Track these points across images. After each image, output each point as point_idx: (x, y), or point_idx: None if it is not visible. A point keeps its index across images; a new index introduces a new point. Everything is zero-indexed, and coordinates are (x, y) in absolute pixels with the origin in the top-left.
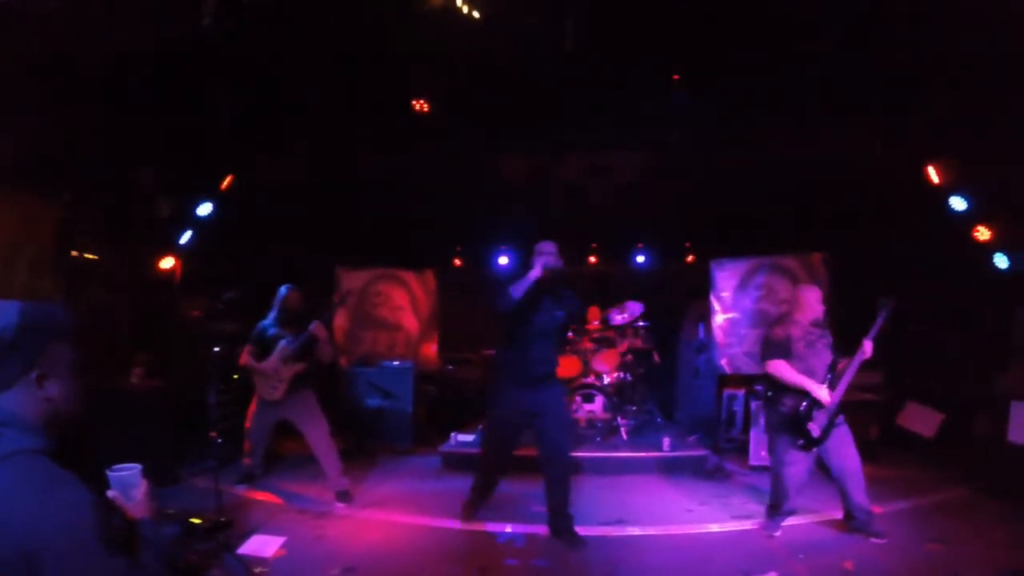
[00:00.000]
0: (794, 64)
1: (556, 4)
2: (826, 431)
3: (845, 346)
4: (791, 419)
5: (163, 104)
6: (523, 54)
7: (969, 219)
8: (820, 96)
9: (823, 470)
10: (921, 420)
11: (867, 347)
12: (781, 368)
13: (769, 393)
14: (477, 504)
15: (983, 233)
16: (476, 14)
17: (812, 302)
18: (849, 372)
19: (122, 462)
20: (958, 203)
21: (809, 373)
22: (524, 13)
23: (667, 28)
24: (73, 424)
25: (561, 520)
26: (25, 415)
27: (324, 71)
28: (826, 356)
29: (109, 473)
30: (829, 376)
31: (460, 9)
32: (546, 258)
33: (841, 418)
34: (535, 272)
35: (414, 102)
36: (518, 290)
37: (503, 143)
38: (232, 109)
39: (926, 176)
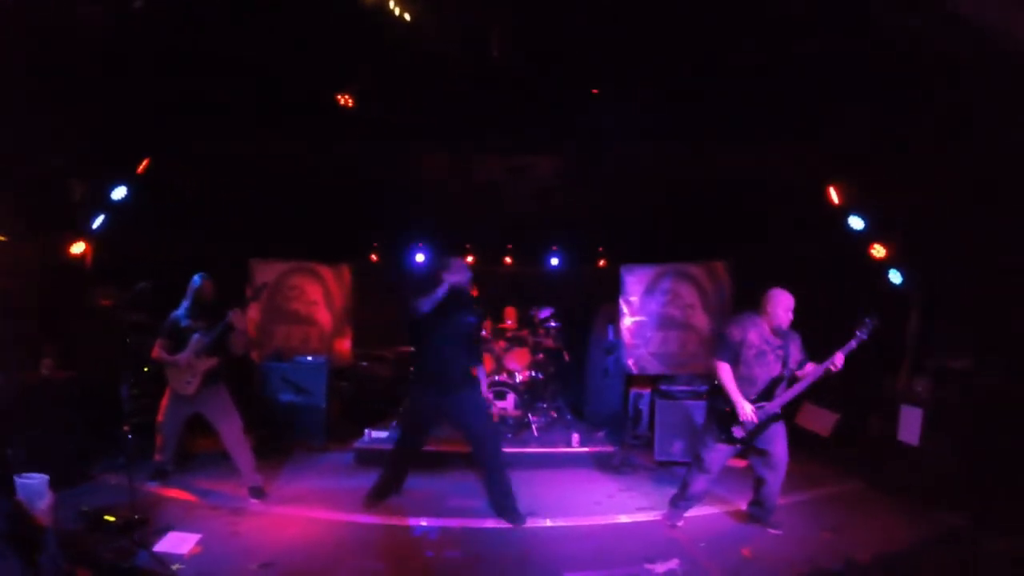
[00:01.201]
0: (710, 82)
1: (484, 10)
2: (751, 435)
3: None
4: (719, 417)
5: (79, 85)
6: (449, 53)
7: (866, 237)
8: (733, 114)
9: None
10: (817, 420)
11: (838, 359)
12: (722, 371)
13: (714, 383)
14: (382, 495)
15: (878, 250)
16: (407, 16)
17: (780, 309)
18: (798, 385)
19: (33, 457)
20: (856, 222)
21: (750, 381)
22: (454, 16)
23: (591, 38)
24: None
25: (507, 500)
26: None
27: (245, 58)
28: (774, 368)
29: (17, 480)
30: (773, 383)
31: (392, 10)
32: (455, 276)
33: (780, 419)
34: (442, 290)
35: (338, 96)
36: (426, 305)
37: (423, 140)
38: (151, 93)
39: (827, 195)
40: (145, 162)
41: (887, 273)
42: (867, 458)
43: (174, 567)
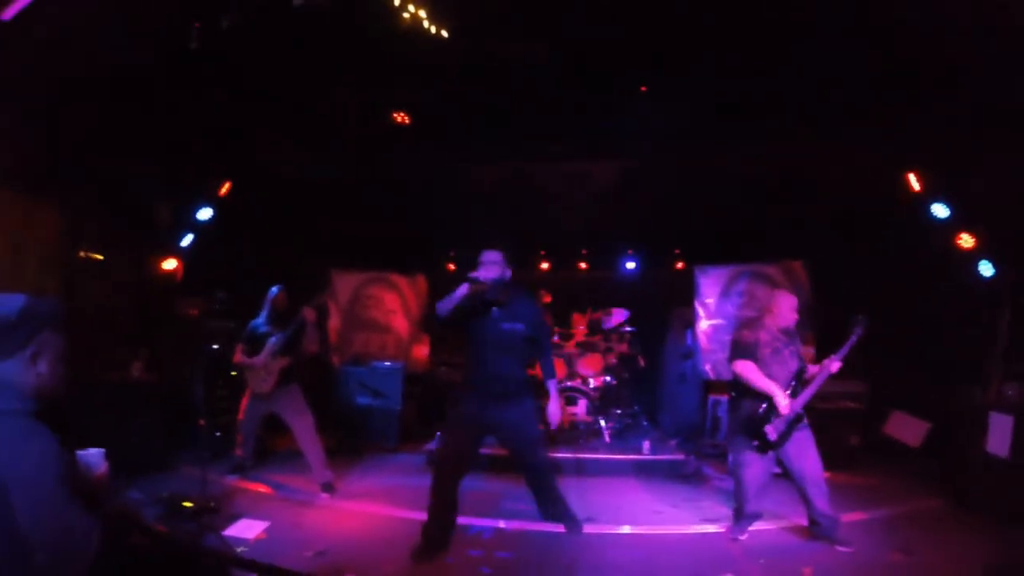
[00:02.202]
0: (779, 71)
1: (529, 20)
2: (783, 436)
3: (824, 353)
4: (749, 421)
5: (164, 113)
6: (500, 65)
7: (951, 226)
8: (803, 103)
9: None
10: (907, 429)
11: (834, 365)
12: (748, 369)
13: (732, 394)
14: (431, 551)
15: (966, 240)
16: (444, 33)
17: (785, 309)
18: (814, 383)
19: (121, 447)
20: (940, 210)
21: (770, 379)
22: (496, 28)
23: (644, 34)
24: (55, 398)
25: (557, 506)
26: (18, 383)
27: (312, 82)
28: (791, 364)
29: (77, 453)
30: (793, 383)
31: (427, 30)
32: (484, 272)
33: (804, 423)
34: (461, 291)
35: (394, 114)
36: (445, 306)
37: (484, 152)
38: (229, 119)
39: (907, 183)
40: (227, 185)
41: (976, 265)
42: (952, 472)
43: (239, 549)
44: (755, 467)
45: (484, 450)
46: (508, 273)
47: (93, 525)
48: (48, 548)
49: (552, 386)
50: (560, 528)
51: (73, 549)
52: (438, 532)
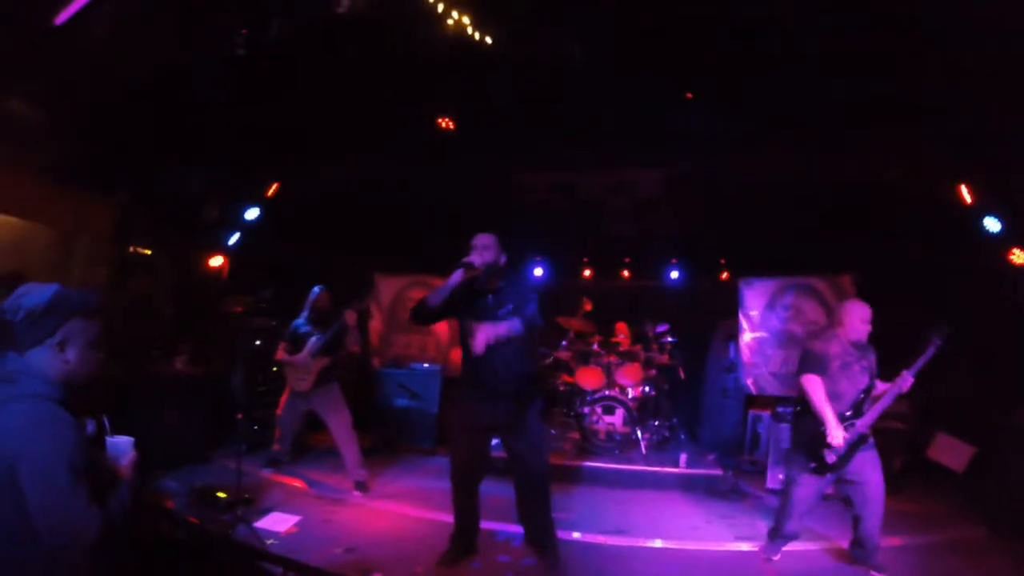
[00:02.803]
0: (822, 80)
1: (574, 24)
2: (843, 459)
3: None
4: (810, 439)
5: (213, 116)
6: (545, 72)
7: (1004, 241)
8: (848, 112)
9: (841, 499)
10: (951, 453)
11: (907, 381)
12: (814, 385)
13: (798, 408)
14: (457, 557)
15: (1019, 256)
16: (488, 39)
17: (856, 320)
18: (883, 401)
19: (161, 437)
20: (992, 224)
21: (837, 396)
22: (540, 33)
23: (689, 45)
24: (84, 386)
25: (542, 531)
26: (45, 370)
27: (358, 88)
28: (861, 381)
29: (107, 439)
30: (862, 397)
31: (472, 36)
32: (474, 255)
33: (871, 443)
34: (455, 275)
35: (439, 120)
36: (436, 297)
37: (527, 159)
38: (276, 122)
39: (959, 195)
40: (275, 186)
41: None
42: (996, 498)
43: (268, 542)
44: (808, 487)
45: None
46: (503, 258)
47: (96, 512)
48: (49, 531)
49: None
50: (592, 538)
51: (71, 537)
52: (463, 539)
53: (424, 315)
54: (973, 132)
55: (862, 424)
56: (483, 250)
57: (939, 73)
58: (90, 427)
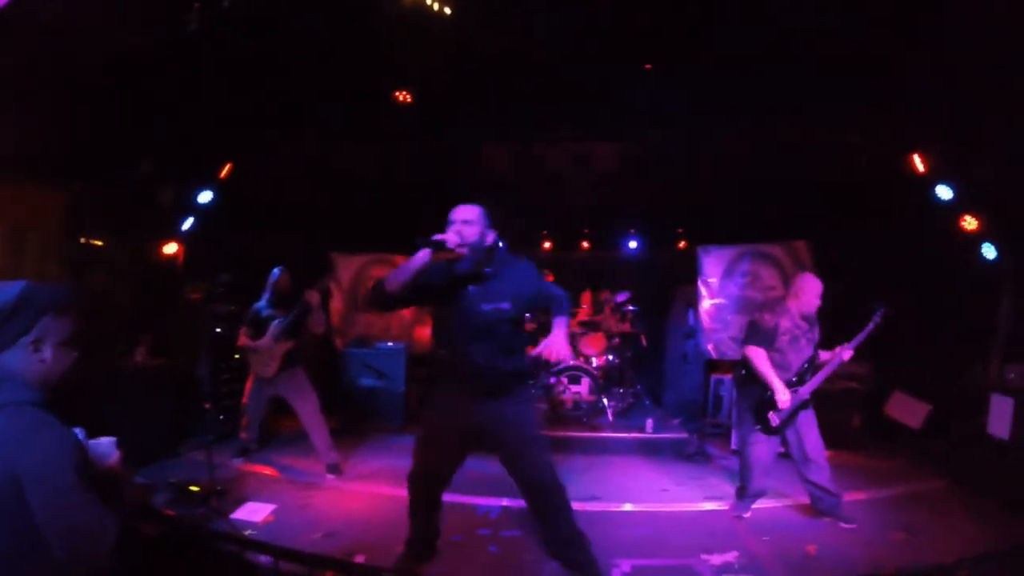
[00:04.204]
0: (782, 50)
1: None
2: (786, 422)
3: (826, 338)
4: (754, 404)
5: (162, 97)
6: (503, 45)
7: (955, 209)
8: (807, 82)
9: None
10: (908, 410)
11: (847, 354)
12: (757, 357)
13: (742, 372)
14: (415, 560)
15: (970, 223)
16: (447, 10)
17: (810, 293)
18: (824, 371)
19: (126, 432)
20: (944, 192)
21: (785, 367)
22: (499, 6)
23: (646, 16)
24: (65, 386)
25: (572, 551)
26: (21, 373)
27: (310, 65)
28: (806, 351)
29: (88, 442)
30: (805, 367)
31: (430, 7)
32: (451, 232)
33: (809, 406)
34: (418, 256)
35: (397, 93)
36: (393, 280)
37: (488, 133)
38: (227, 102)
39: (911, 165)
40: (227, 167)
41: (979, 248)
42: (954, 454)
43: (246, 532)
44: (761, 446)
45: None
46: (491, 237)
47: (111, 517)
48: (65, 542)
49: (559, 324)
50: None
51: (91, 542)
52: (421, 547)
53: (381, 301)
54: (926, 101)
55: (804, 391)
56: (463, 226)
57: (894, 43)
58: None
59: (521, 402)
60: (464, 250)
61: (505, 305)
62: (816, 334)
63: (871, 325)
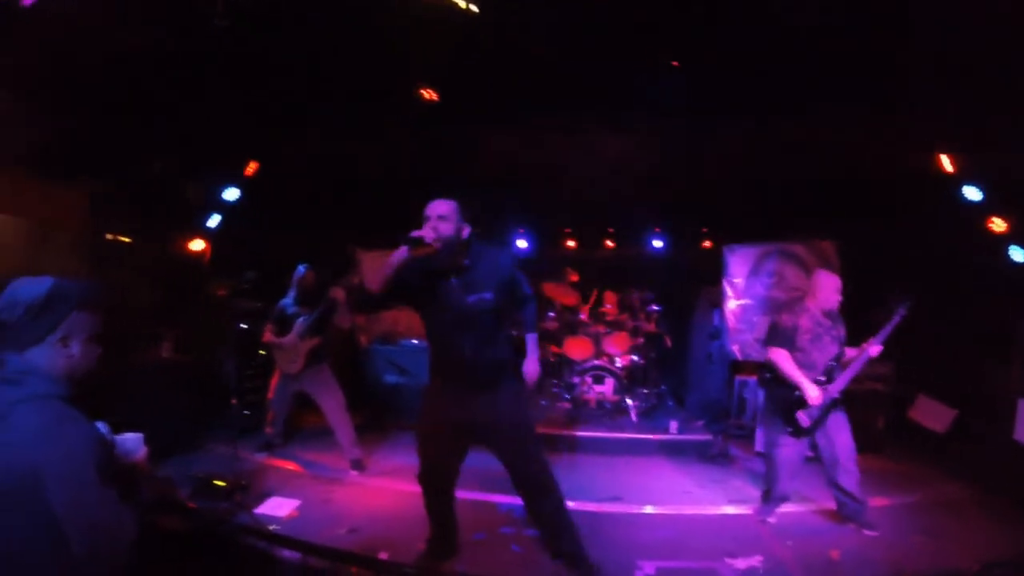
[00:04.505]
0: (803, 48)
1: None
2: (817, 422)
3: (851, 336)
4: (782, 406)
5: (187, 94)
6: (523, 41)
7: (983, 210)
8: (835, 81)
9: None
10: (933, 415)
11: (874, 349)
12: (781, 358)
13: (767, 375)
14: (437, 557)
15: (998, 224)
16: (474, 8)
17: (828, 290)
18: (852, 368)
19: (151, 427)
20: (972, 193)
21: (809, 367)
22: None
23: (670, 11)
24: (89, 380)
25: (564, 543)
26: (48, 367)
27: (334, 62)
28: (831, 349)
29: (115, 437)
30: (832, 364)
31: (457, 5)
32: (427, 227)
33: (840, 407)
34: (396, 254)
35: (421, 90)
36: (375, 281)
37: (516, 130)
38: (252, 98)
39: (939, 165)
40: (253, 165)
41: (1007, 250)
42: (979, 459)
43: (271, 527)
44: (788, 449)
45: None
46: (466, 230)
47: (130, 513)
48: (85, 538)
49: (531, 341)
50: (592, 506)
51: (110, 538)
52: (442, 543)
53: (367, 304)
54: (956, 104)
55: (833, 389)
56: (439, 221)
57: (924, 45)
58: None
59: (511, 393)
60: (439, 245)
61: (488, 295)
62: (841, 331)
63: (896, 318)
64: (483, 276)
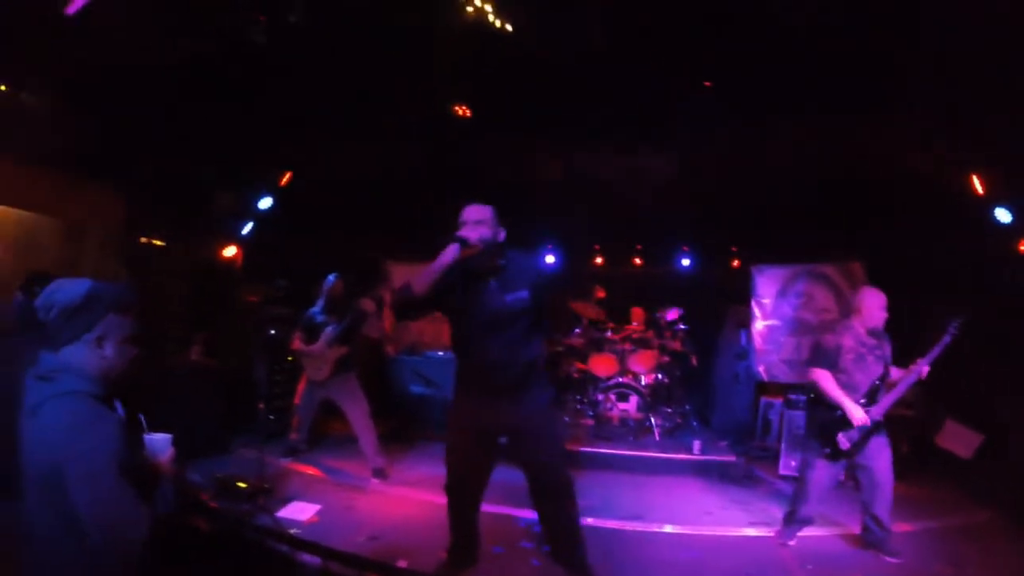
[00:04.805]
0: (835, 69)
1: (584, 10)
2: (857, 446)
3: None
4: (823, 427)
5: (226, 103)
6: (554, 57)
7: (1014, 232)
8: (861, 101)
9: (855, 483)
10: (959, 440)
11: (923, 369)
12: (823, 379)
13: (811, 395)
14: (457, 565)
15: None
16: (508, 27)
17: (873, 308)
18: (898, 389)
19: (180, 430)
20: (1003, 215)
21: (852, 388)
22: (553, 19)
23: (699, 27)
24: (123, 382)
25: (576, 552)
26: (83, 366)
27: (369, 74)
28: (875, 370)
29: (144, 436)
30: (877, 384)
31: (492, 23)
32: (468, 230)
33: (882, 430)
34: (448, 253)
35: (455, 107)
36: (422, 282)
37: (543, 143)
38: (290, 109)
39: (970, 185)
40: (287, 175)
41: None
42: (1004, 486)
43: (291, 531)
44: (823, 471)
45: None
46: (502, 233)
47: (145, 514)
48: (101, 532)
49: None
50: (614, 524)
51: (123, 536)
52: (462, 555)
53: (410, 307)
54: (987, 125)
55: (876, 411)
56: (477, 225)
57: (958, 65)
58: (120, 411)
59: (542, 396)
60: (481, 246)
61: (524, 294)
62: (887, 350)
63: (947, 338)
64: (518, 276)
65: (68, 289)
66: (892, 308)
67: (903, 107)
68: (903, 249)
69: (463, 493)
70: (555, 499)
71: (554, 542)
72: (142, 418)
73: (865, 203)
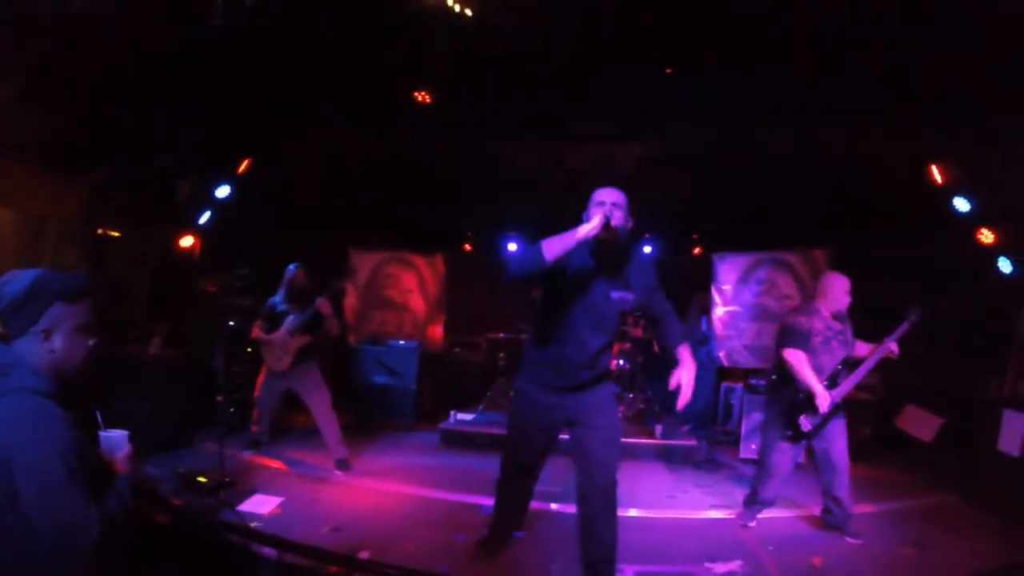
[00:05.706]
0: (800, 60)
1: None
2: (818, 427)
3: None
4: (786, 409)
5: (183, 92)
6: (523, 45)
7: (973, 221)
8: (825, 93)
9: (814, 466)
10: (920, 424)
11: (893, 347)
12: (798, 360)
13: (774, 377)
14: (493, 548)
15: (987, 236)
16: (468, 12)
17: (839, 292)
18: (858, 372)
19: (139, 424)
20: (962, 204)
21: (818, 370)
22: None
23: (670, 20)
24: (77, 376)
25: (607, 567)
26: (32, 361)
27: (331, 64)
28: (839, 353)
29: (100, 433)
30: (839, 368)
31: (451, 8)
32: (609, 210)
33: (841, 413)
34: (595, 226)
35: (416, 93)
36: (553, 248)
37: (509, 132)
38: (248, 97)
39: (929, 176)
40: (246, 162)
41: (996, 261)
42: (965, 469)
43: (252, 524)
44: (784, 454)
45: None
46: (631, 224)
47: (95, 515)
48: (49, 533)
49: (684, 352)
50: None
51: (73, 537)
52: (499, 542)
53: (534, 265)
54: (946, 115)
55: (837, 394)
56: (615, 208)
57: (911, 56)
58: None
59: (609, 396)
60: (619, 232)
61: (630, 296)
62: (849, 335)
63: (906, 324)
64: (631, 276)
65: (17, 280)
66: (854, 295)
67: (866, 102)
68: (864, 239)
69: (520, 482)
70: (602, 505)
71: (589, 552)
72: (98, 415)
73: (828, 193)
